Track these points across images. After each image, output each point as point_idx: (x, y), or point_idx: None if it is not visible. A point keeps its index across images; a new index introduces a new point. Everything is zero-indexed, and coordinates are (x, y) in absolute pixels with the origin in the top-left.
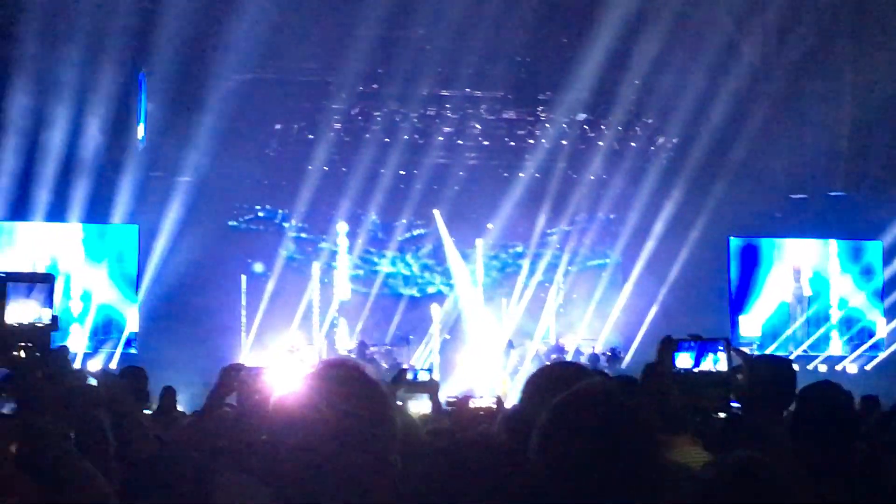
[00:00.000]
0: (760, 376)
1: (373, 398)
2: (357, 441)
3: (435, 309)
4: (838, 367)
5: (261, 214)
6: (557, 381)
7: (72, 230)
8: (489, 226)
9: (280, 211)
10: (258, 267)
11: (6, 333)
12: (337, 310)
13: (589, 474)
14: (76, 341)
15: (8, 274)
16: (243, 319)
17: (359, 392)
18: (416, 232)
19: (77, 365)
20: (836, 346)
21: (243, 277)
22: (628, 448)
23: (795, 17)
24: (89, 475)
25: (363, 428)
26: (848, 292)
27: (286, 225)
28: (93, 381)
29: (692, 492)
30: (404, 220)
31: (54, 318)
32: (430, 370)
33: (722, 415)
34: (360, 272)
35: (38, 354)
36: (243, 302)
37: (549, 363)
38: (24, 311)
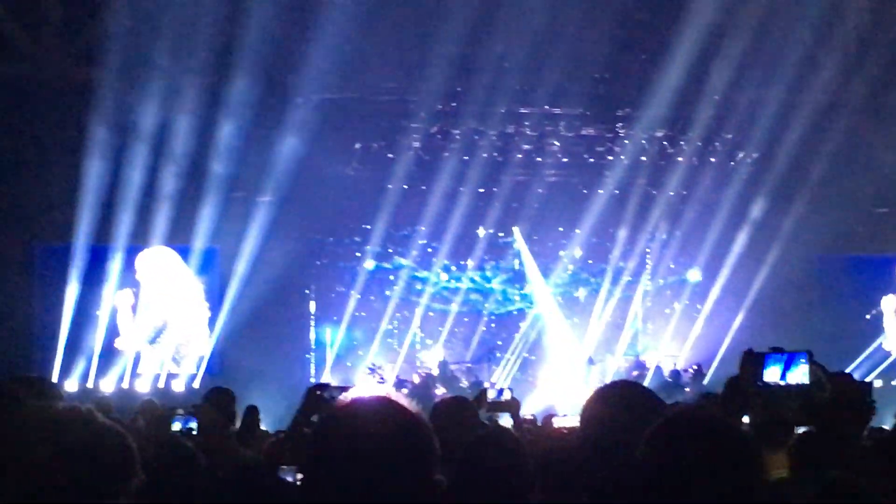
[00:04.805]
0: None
1: (407, 426)
2: (396, 467)
3: (517, 326)
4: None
5: (341, 233)
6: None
7: (153, 253)
8: (571, 238)
9: (360, 229)
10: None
11: None
12: (419, 327)
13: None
14: (156, 364)
15: None
16: (312, 338)
17: (391, 421)
18: (496, 249)
19: (161, 385)
20: None
21: (312, 298)
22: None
23: (876, 28)
24: None
25: (400, 454)
26: None
27: (367, 244)
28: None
29: None
30: (485, 238)
31: None
32: (511, 389)
33: (803, 429)
34: (438, 288)
35: None
36: (312, 322)
37: (604, 384)
38: None
